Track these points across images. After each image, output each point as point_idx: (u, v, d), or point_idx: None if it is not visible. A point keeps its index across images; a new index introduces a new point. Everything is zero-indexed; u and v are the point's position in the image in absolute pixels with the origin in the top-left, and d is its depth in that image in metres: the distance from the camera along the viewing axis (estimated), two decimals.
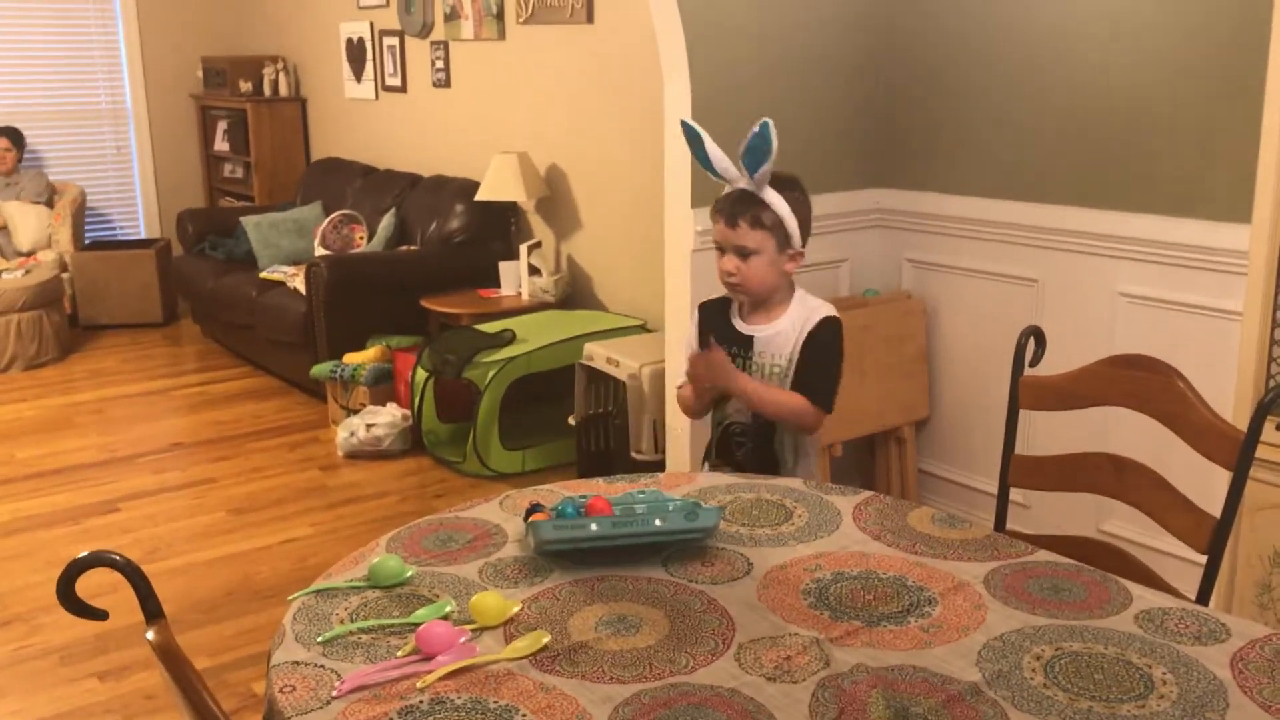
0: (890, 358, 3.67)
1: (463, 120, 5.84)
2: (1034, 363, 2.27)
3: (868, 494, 2.13)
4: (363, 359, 4.95)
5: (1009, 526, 2.30)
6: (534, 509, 1.92)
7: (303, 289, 5.35)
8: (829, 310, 2.45)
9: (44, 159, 7.30)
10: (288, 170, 7.25)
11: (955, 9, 3.55)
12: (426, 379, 4.57)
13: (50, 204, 6.90)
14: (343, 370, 4.91)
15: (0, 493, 4.32)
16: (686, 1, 3.25)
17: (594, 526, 1.78)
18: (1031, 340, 2.25)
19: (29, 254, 6.63)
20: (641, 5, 4.58)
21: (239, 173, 7.71)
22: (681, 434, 3.53)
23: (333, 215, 5.90)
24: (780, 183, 2.40)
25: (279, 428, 5.04)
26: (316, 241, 5.81)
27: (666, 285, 3.54)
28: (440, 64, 5.92)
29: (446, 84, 5.91)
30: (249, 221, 6.25)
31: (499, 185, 5.18)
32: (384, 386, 4.88)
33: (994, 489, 2.39)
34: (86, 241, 7.04)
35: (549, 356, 4.41)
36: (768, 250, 2.39)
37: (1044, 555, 1.89)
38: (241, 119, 7.29)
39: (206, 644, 3.20)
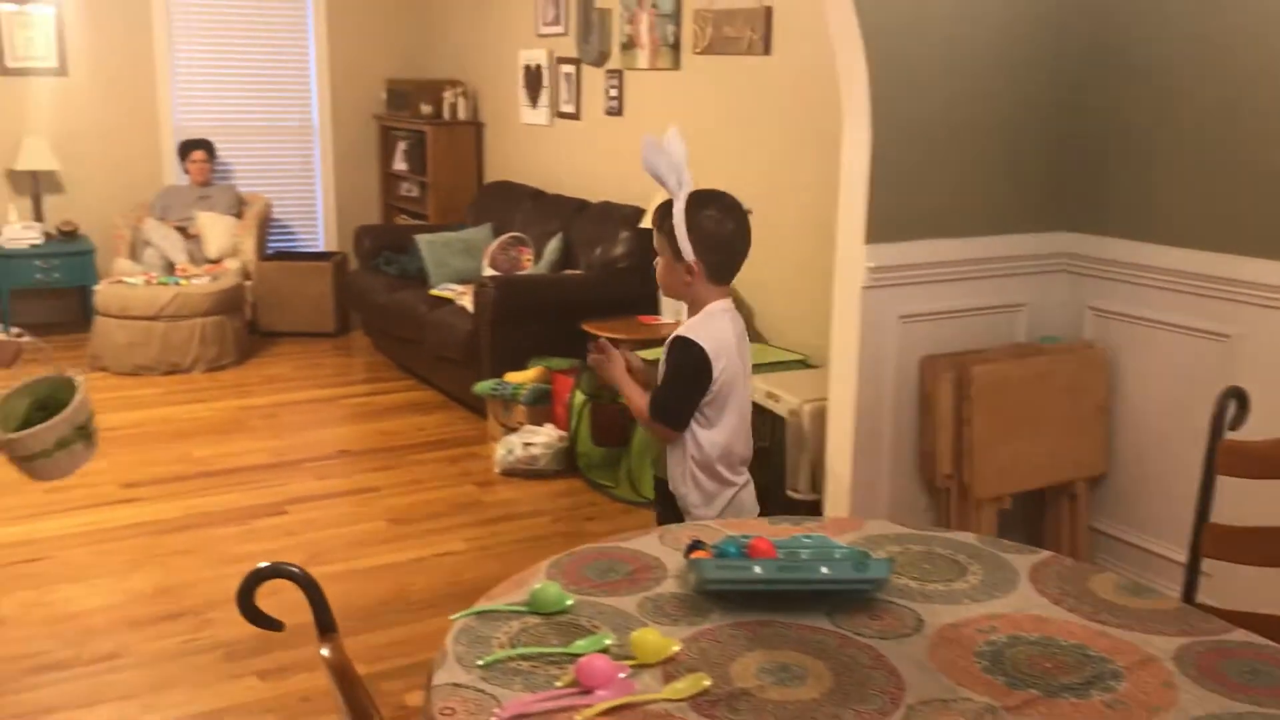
0: (1067, 409, 3.51)
1: (633, 148, 5.85)
2: (1234, 426, 2.13)
3: (1046, 554, 2.02)
4: (523, 379, 5.01)
5: (1198, 599, 2.15)
6: (695, 546, 1.89)
7: (470, 307, 5.46)
8: (691, 332, 2.57)
9: (233, 171, 7.68)
10: (461, 191, 7.44)
11: (1171, 41, 3.39)
12: (584, 403, 4.59)
13: (239, 215, 7.25)
14: (504, 389, 4.98)
15: (175, 489, 4.53)
16: (873, 40, 3.19)
17: (759, 569, 1.74)
18: (1233, 402, 2.10)
19: (216, 261, 6.97)
20: (820, 39, 4.53)
21: (415, 191, 7.96)
22: (843, 475, 3.45)
23: (501, 237, 6.02)
24: (696, 198, 2.56)
25: (440, 441, 5.15)
26: (485, 262, 5.94)
27: (834, 321, 3.47)
28: (614, 92, 5.98)
29: (619, 112, 5.97)
30: (424, 239, 6.43)
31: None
32: (542, 407, 4.93)
33: (1171, 554, 2.25)
34: (269, 251, 7.36)
35: None
36: (664, 256, 2.61)
37: (1242, 634, 1.75)
38: (420, 140, 7.52)
39: (361, 652, 3.27)
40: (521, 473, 4.70)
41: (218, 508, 4.35)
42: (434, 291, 5.94)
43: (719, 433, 2.63)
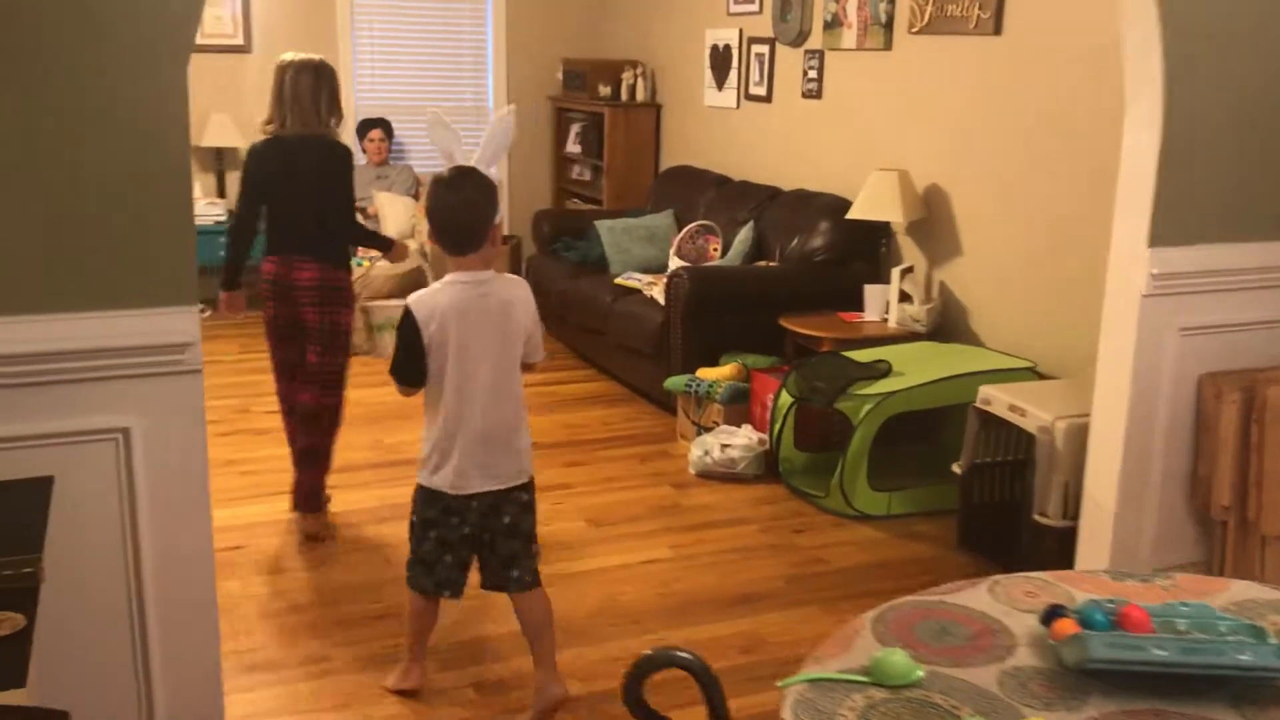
0: None
1: (832, 134, 5.58)
2: None
3: None
4: (718, 375, 4.77)
5: None
6: (1056, 612, 1.60)
7: (659, 298, 5.24)
8: (412, 298, 2.74)
9: (409, 152, 7.63)
10: (637, 175, 7.23)
11: None
12: (790, 405, 4.32)
13: (415, 196, 7.18)
14: (698, 385, 4.75)
15: (368, 478, 4.43)
16: (1171, 14, 2.83)
17: (1162, 652, 1.45)
18: None
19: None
20: (1061, 17, 4.15)
21: (587, 175, 7.79)
22: (1105, 503, 3.11)
23: (690, 225, 5.77)
24: (435, 178, 2.77)
25: (628, 437, 4.95)
26: (671, 251, 5.71)
27: (1104, 330, 3.12)
28: (813, 74, 5.67)
29: (817, 95, 5.66)
30: (603, 225, 6.24)
31: (874, 204, 4.88)
32: (739, 406, 4.68)
33: None
34: None
35: (930, 394, 4.07)
36: None
37: None
38: (596, 122, 7.33)
39: (578, 668, 3.08)
40: (718, 475, 4.46)
41: (409, 500, 4.21)
42: (619, 280, 5.73)
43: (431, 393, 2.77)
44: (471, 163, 2.79)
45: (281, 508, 4.09)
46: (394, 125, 7.44)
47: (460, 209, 2.66)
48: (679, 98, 7.05)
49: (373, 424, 5.03)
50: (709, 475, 4.48)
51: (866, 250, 5.17)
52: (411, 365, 2.73)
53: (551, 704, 2.82)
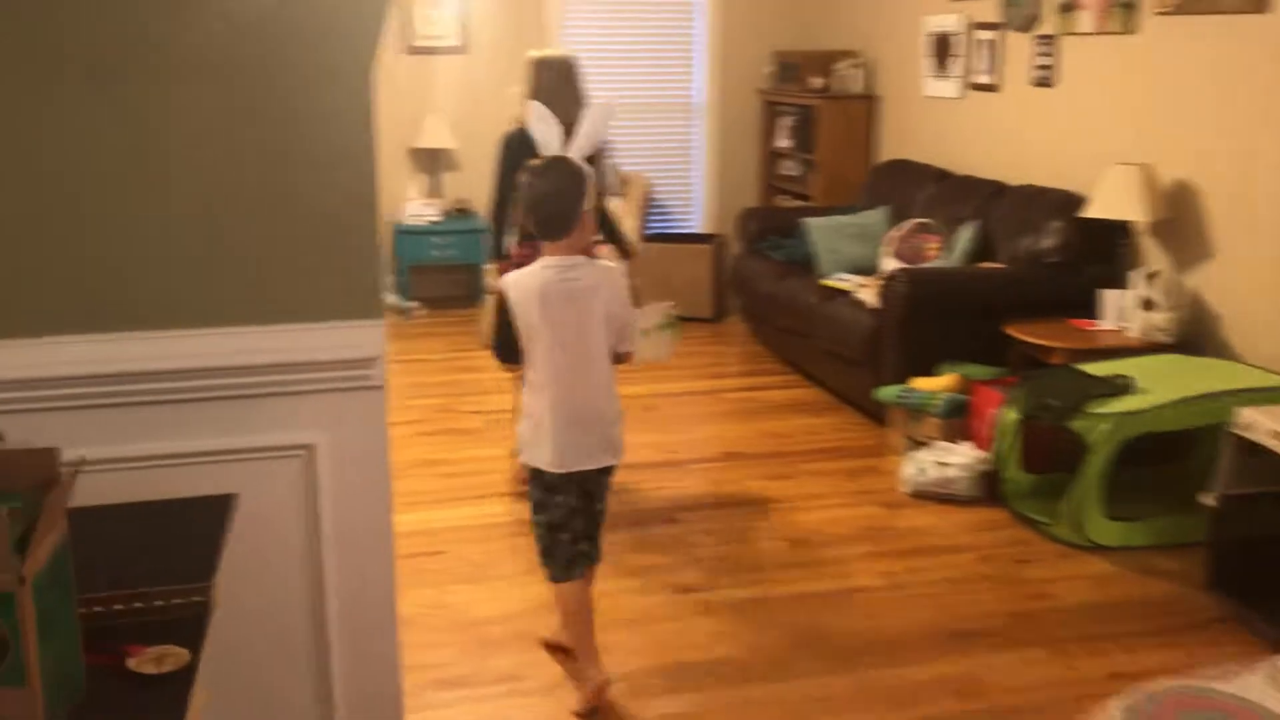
0: None
1: (1065, 124, 5.14)
2: None
3: None
4: (935, 387, 4.45)
5: None
6: None
7: (872, 301, 4.96)
8: (509, 277, 2.82)
9: (613, 149, 7.55)
10: (849, 170, 6.93)
11: None
12: (1018, 422, 3.97)
13: (621, 194, 7.11)
14: (913, 397, 4.45)
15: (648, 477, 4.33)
16: None
17: None
18: None
19: (599, 242, 6.85)
20: None
21: (797, 170, 7.52)
22: None
23: (906, 223, 5.45)
24: (528, 167, 2.84)
25: (835, 450, 4.69)
26: (886, 250, 5.40)
27: None
28: (1045, 60, 5.25)
29: (1050, 83, 5.23)
30: (813, 224, 5.99)
31: (1112, 201, 4.46)
32: (957, 421, 4.36)
33: None
34: (647, 233, 7.17)
35: (1177, 415, 3.65)
36: None
37: None
38: (807, 115, 7.07)
39: (776, 703, 2.87)
40: (934, 496, 4.15)
41: (613, 509, 4.09)
42: (826, 281, 5.47)
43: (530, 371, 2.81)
44: (567, 152, 2.79)
45: (484, 511, 4.06)
46: (617, 125, 7.39)
47: (551, 196, 2.72)
48: (896, 88, 6.70)
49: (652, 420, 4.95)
50: (924, 495, 4.18)
51: (1103, 252, 4.74)
52: (507, 343, 2.99)
53: (597, 690, 2.84)
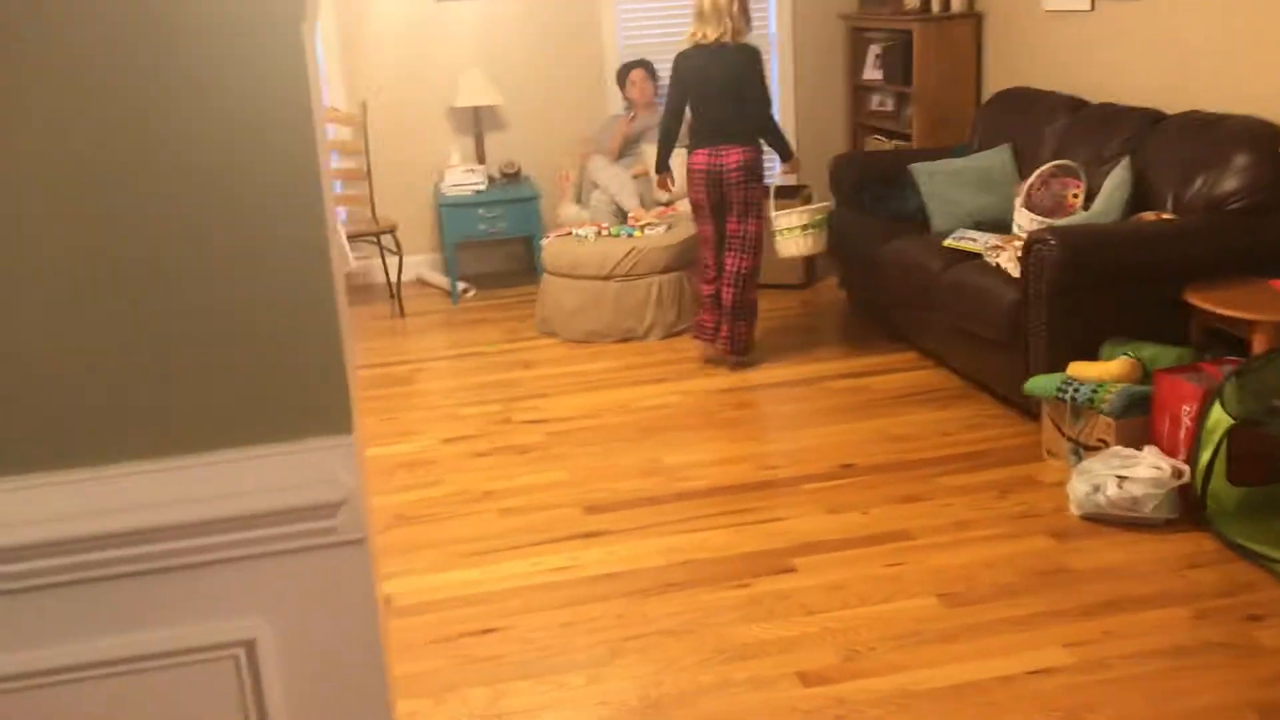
0: None
1: (1242, 33, 4.14)
2: None
3: None
4: (1103, 374, 3.56)
5: None
6: None
7: (1011, 269, 4.05)
8: None
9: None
10: (954, 103, 5.96)
11: None
12: (1228, 428, 3.07)
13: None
14: (1076, 390, 3.55)
15: (648, 518, 3.53)
16: None
17: None
18: None
19: (668, 204, 5.99)
20: None
21: (889, 105, 6.57)
22: None
23: (1043, 167, 4.50)
24: None
25: (977, 455, 3.82)
26: (1018, 201, 4.47)
27: None
28: None
29: None
30: (921, 170, 5.06)
31: None
32: (1136, 419, 3.46)
33: None
34: None
35: None
36: None
37: None
38: (902, 42, 6.10)
39: None
40: (1116, 520, 3.28)
41: (704, 553, 3.29)
42: (950, 242, 4.55)
43: None
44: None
45: (546, 565, 3.27)
46: (660, 65, 6.51)
47: None
48: (1005, 4, 5.69)
49: (647, 437, 4.14)
50: (1102, 519, 3.30)
51: None
52: None
53: None
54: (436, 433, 4.33)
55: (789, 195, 5.28)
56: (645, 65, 6.26)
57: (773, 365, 4.85)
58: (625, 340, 5.28)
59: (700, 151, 4.63)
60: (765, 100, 4.61)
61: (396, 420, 4.48)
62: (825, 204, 4.94)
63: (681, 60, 4.63)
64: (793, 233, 4.73)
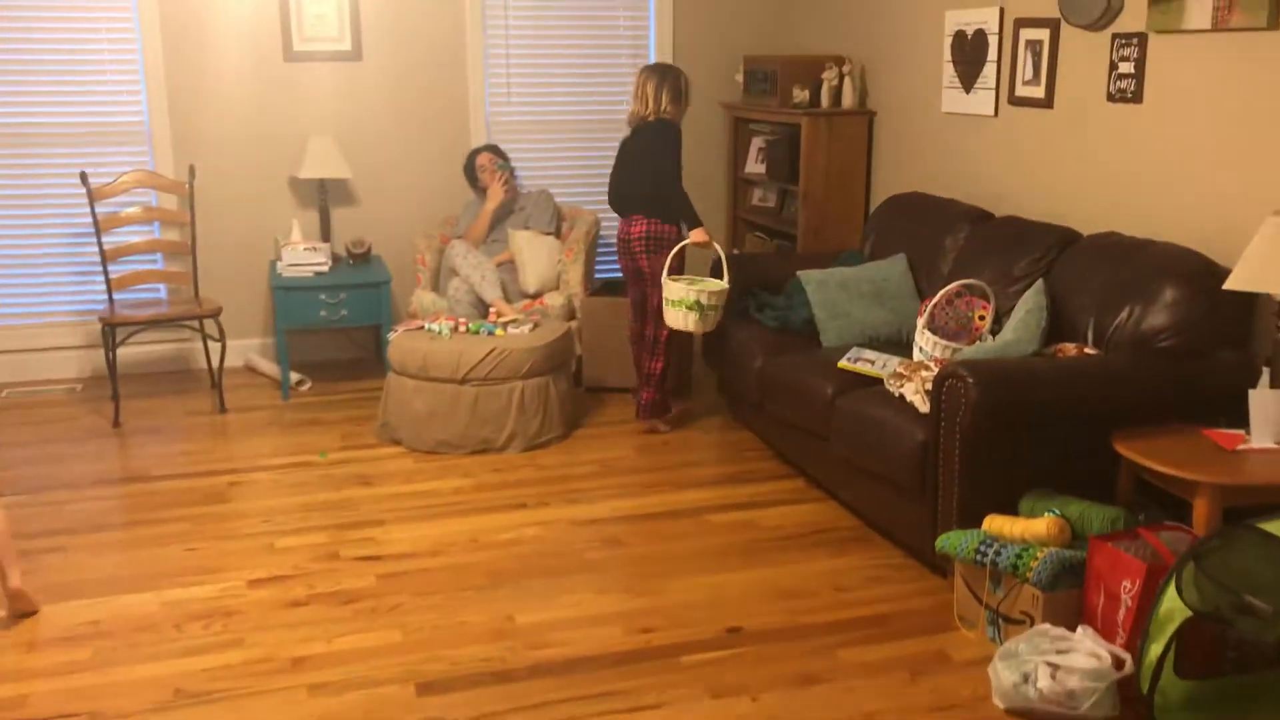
0: None
1: (1164, 155, 3.83)
2: None
3: None
4: (1027, 534, 3.10)
5: None
6: None
7: (914, 400, 3.60)
8: None
9: (549, 178, 6.14)
10: (843, 204, 5.59)
11: None
12: (1184, 620, 2.62)
13: (559, 234, 5.69)
14: (997, 552, 3.08)
15: (496, 701, 2.89)
16: None
17: None
18: None
19: (535, 296, 5.43)
20: None
21: (770, 201, 6.19)
22: None
23: (948, 286, 4.09)
24: None
25: (879, 619, 3.30)
26: (920, 320, 4.04)
27: None
28: (1127, 67, 3.94)
29: (1134, 97, 3.92)
30: (810, 279, 4.62)
31: (1261, 266, 3.14)
32: (1068, 591, 3.00)
33: None
34: (596, 283, 5.75)
35: None
36: None
37: None
38: (788, 136, 5.72)
39: None
40: (1046, 716, 2.79)
41: None
42: (844, 364, 4.09)
43: None
44: None
45: None
46: (534, 142, 6.01)
47: None
48: (903, 102, 5.36)
49: (499, 584, 3.50)
50: (1030, 715, 2.81)
51: (1236, 334, 3.44)
52: None
53: None
54: (245, 570, 3.61)
55: (716, 271, 4.85)
56: (491, 149, 5.74)
57: (649, 488, 4.30)
58: (481, 452, 4.66)
59: (619, 221, 4.89)
60: (666, 170, 4.69)
61: (199, 552, 3.75)
62: (719, 286, 4.57)
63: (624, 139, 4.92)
64: (678, 306, 4.52)
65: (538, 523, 3.99)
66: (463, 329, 4.81)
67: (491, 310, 5.15)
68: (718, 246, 4.79)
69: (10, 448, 4.79)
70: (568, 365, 4.98)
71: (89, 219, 5.21)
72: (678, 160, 4.73)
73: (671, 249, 4.70)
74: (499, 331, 4.78)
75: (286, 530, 3.94)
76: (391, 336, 4.84)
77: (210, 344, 5.31)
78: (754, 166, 6.17)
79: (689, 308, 4.51)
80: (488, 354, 4.61)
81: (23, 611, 3.31)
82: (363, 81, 5.78)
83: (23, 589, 3.25)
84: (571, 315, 5.37)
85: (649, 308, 4.84)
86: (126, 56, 5.48)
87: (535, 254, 5.46)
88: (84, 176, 5.16)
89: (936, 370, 3.60)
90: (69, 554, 3.73)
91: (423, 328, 4.84)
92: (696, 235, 4.72)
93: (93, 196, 5.16)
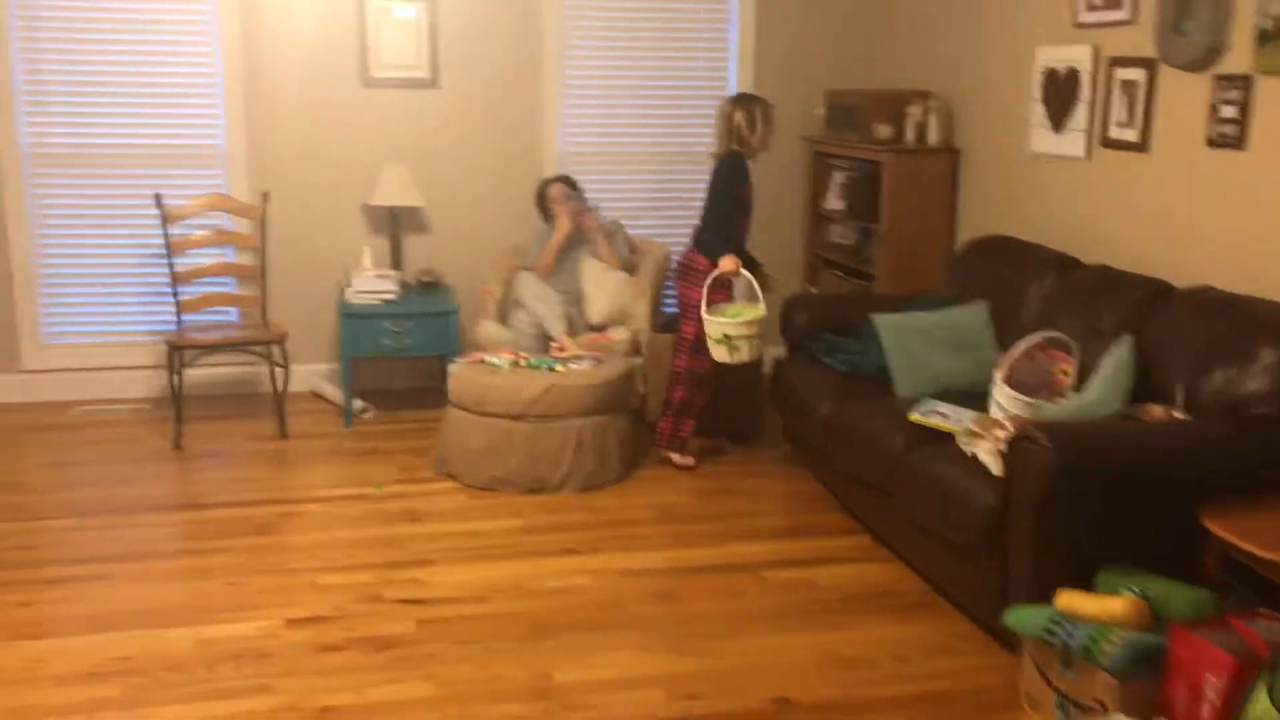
0: None
1: (1269, 205, 3.57)
2: None
3: None
4: (1102, 614, 2.86)
5: None
6: None
7: (988, 461, 3.38)
8: None
9: (623, 210, 6.01)
10: (924, 246, 5.38)
11: None
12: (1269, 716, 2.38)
13: (631, 268, 5.56)
14: (1069, 632, 2.85)
15: None
16: None
17: None
18: None
19: (600, 329, 5.30)
20: None
21: (849, 239, 5.99)
22: None
23: (1030, 338, 3.86)
24: None
25: (941, 696, 3.09)
26: (999, 374, 3.81)
27: None
28: (1230, 111, 3.68)
29: (1236, 143, 3.66)
30: (885, 322, 4.42)
31: None
32: (1146, 681, 2.76)
33: None
34: (663, 318, 5.60)
35: None
36: None
37: None
38: (869, 172, 5.52)
39: None
40: None
41: None
42: (916, 417, 3.88)
43: None
44: None
45: None
46: (605, 174, 5.92)
47: None
48: (990, 141, 5.14)
49: (540, 636, 3.36)
50: None
51: None
52: None
53: None
54: (285, 609, 3.53)
55: (748, 295, 4.71)
56: (563, 179, 5.63)
57: (706, 538, 4.13)
58: (534, 492, 4.54)
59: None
60: (711, 200, 4.66)
61: (240, 587, 3.68)
62: (754, 313, 4.45)
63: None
64: (710, 339, 4.48)
65: (588, 571, 3.84)
66: (522, 363, 4.71)
67: (554, 345, 5.03)
68: (748, 275, 4.61)
69: (74, 467, 4.80)
70: (629, 404, 4.84)
71: (162, 240, 5.23)
72: (728, 191, 4.62)
73: (703, 279, 4.58)
74: (559, 367, 4.66)
75: (332, 567, 3.85)
76: (452, 368, 4.76)
77: (276, 369, 5.28)
78: (834, 202, 5.97)
79: (717, 341, 4.45)
80: (545, 390, 4.49)
81: None
82: (438, 109, 5.74)
83: None
84: (637, 351, 5.23)
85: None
86: (206, 80, 5.52)
87: (602, 286, 5.33)
88: (159, 198, 5.18)
89: (1012, 430, 3.37)
90: (112, 582, 3.69)
91: (482, 360, 4.75)
92: (723, 264, 4.55)
93: (166, 218, 5.19)
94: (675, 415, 4.81)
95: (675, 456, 4.83)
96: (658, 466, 4.85)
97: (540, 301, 5.17)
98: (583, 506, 4.42)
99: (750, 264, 4.63)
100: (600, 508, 4.42)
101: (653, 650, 3.32)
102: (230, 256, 5.61)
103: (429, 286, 5.61)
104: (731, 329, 4.42)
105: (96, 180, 5.52)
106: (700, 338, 4.62)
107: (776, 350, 5.04)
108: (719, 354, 4.50)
